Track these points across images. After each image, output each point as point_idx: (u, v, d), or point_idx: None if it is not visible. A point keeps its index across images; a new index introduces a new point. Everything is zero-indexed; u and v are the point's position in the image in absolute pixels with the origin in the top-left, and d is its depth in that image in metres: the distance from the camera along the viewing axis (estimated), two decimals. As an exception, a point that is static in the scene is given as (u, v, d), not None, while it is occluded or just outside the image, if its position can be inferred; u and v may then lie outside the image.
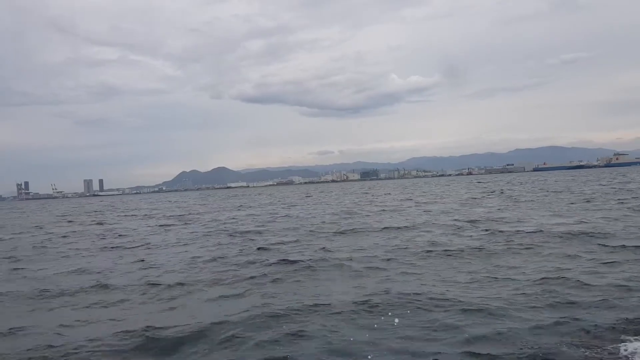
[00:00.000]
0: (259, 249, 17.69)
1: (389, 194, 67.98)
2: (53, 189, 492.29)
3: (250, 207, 51.70)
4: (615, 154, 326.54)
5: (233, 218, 35.37)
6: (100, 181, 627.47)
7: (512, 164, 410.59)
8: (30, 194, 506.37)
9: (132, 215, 48.48)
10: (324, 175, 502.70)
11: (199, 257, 16.70)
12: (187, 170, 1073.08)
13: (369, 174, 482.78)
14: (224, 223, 30.88)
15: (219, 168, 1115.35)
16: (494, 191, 55.27)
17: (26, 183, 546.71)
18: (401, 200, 48.58)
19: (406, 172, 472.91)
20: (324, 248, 16.98)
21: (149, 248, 20.05)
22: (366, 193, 76.80)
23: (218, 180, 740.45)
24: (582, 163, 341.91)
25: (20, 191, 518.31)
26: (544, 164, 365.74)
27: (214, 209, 51.14)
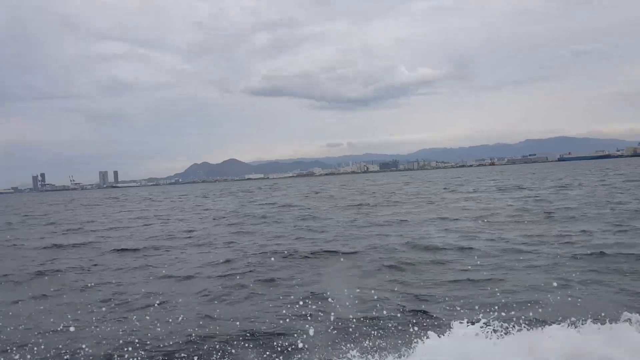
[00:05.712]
0: None
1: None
2: (71, 181, 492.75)
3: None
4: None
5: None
6: (115, 173, 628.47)
7: (535, 154, 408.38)
8: (47, 185, 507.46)
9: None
10: (341, 167, 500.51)
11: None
12: (199, 163, 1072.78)
13: (388, 165, 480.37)
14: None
15: (229, 160, 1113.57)
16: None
17: (42, 175, 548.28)
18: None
19: (425, 163, 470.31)
20: None
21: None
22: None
23: (229, 172, 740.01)
24: (605, 153, 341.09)
25: (37, 183, 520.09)
26: (569, 153, 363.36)
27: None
